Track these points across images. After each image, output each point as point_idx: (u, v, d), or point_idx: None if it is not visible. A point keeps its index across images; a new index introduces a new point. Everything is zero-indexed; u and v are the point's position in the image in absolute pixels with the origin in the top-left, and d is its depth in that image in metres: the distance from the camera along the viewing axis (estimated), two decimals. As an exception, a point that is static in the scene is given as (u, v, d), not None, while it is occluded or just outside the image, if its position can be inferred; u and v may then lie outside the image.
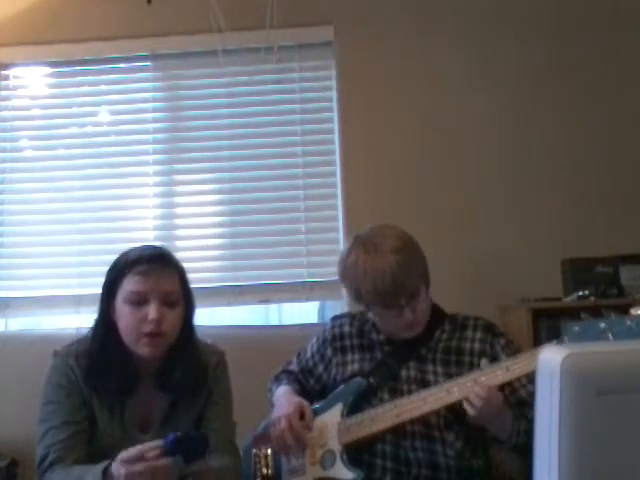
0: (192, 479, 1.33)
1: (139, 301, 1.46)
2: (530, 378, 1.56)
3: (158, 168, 2.88)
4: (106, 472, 1.31)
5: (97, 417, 1.49)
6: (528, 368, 1.45)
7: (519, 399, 1.59)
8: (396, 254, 1.56)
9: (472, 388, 1.45)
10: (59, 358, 1.51)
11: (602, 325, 1.34)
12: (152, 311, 1.44)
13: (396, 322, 1.62)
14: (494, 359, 1.60)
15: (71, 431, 1.45)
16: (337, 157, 2.79)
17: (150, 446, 1.27)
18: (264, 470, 1.73)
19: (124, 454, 1.27)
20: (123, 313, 1.47)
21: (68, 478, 1.37)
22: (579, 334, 1.36)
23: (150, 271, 1.47)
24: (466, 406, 1.45)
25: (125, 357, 1.49)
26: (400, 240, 1.61)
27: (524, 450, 1.53)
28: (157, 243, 1.63)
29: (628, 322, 1.32)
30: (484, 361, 1.54)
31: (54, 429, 1.45)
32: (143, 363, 1.51)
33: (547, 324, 2.29)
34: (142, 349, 1.47)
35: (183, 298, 1.53)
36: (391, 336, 1.69)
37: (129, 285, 1.47)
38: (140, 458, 1.25)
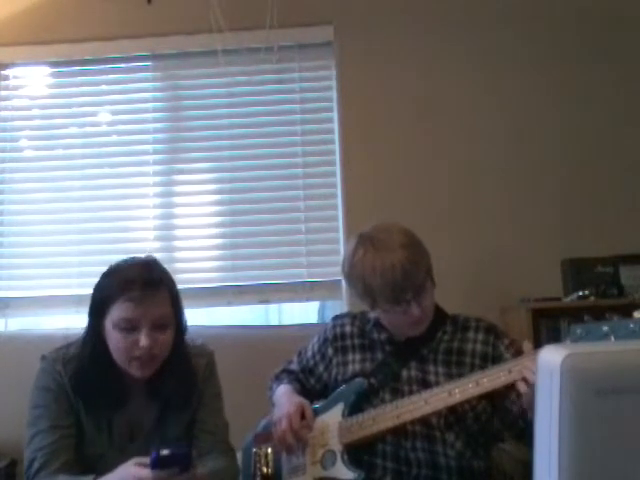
0: None
1: (129, 327, 1.41)
2: None
3: (158, 168, 2.88)
4: None
5: (84, 425, 1.47)
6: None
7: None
8: (404, 249, 1.56)
9: (527, 365, 1.42)
10: (47, 362, 1.50)
11: (605, 328, 1.33)
12: (143, 338, 1.40)
13: (403, 318, 1.61)
14: (498, 360, 1.60)
15: (58, 435, 1.43)
16: (337, 157, 2.79)
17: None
18: (264, 469, 1.73)
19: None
20: (113, 337, 1.43)
21: None
22: (581, 337, 1.36)
23: (141, 298, 1.41)
24: (519, 385, 1.41)
25: (115, 373, 1.46)
26: (406, 236, 1.62)
27: None
28: (146, 255, 1.56)
29: (631, 325, 1.31)
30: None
31: (41, 433, 1.43)
32: (133, 378, 1.48)
33: (547, 324, 2.29)
34: (134, 371, 1.44)
35: (174, 317, 1.49)
36: (396, 334, 1.69)
37: (119, 311, 1.41)
38: None
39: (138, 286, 1.41)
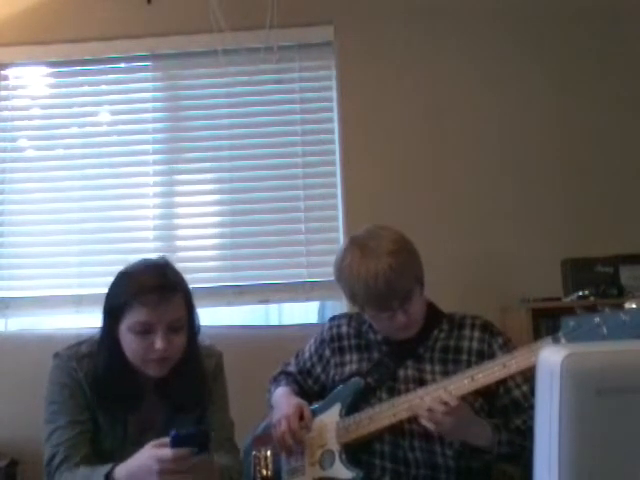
0: (198, 473, 1.33)
1: (145, 331, 1.43)
2: (526, 377, 1.56)
3: (158, 168, 2.88)
4: (109, 476, 1.31)
5: (99, 421, 1.49)
6: (525, 364, 1.46)
7: (513, 399, 1.59)
8: (389, 257, 1.56)
9: (422, 404, 1.47)
10: (61, 359, 1.51)
11: (597, 319, 1.35)
12: (159, 341, 1.42)
13: (389, 324, 1.62)
14: (491, 359, 1.60)
15: (77, 430, 1.45)
16: (337, 157, 2.79)
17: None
18: (264, 472, 1.73)
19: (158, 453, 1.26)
20: (128, 340, 1.45)
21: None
22: (574, 329, 1.37)
23: (157, 302, 1.42)
24: (425, 422, 1.46)
25: (130, 375, 1.48)
26: (394, 242, 1.60)
27: (506, 459, 1.54)
28: (158, 256, 1.56)
29: (622, 316, 1.32)
30: None
31: (60, 429, 1.44)
32: (147, 378, 1.50)
33: (547, 324, 2.29)
34: (149, 371, 1.46)
35: (188, 319, 1.51)
36: (387, 336, 1.70)
37: (135, 315, 1.42)
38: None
39: (154, 291, 1.42)
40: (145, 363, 1.46)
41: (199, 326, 1.57)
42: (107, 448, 1.48)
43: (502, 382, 1.57)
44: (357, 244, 1.62)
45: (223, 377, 1.65)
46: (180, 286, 1.49)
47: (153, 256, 1.57)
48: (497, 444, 1.48)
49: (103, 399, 1.48)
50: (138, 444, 1.35)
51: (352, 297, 1.64)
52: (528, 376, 1.54)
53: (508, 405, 1.59)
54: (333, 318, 1.86)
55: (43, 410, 1.49)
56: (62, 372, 1.49)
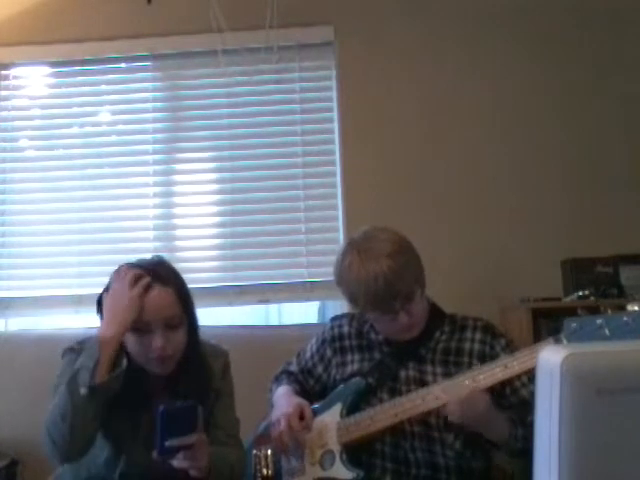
0: (187, 453, 1.34)
1: (142, 329, 1.44)
2: (531, 376, 1.56)
3: (158, 168, 2.87)
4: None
5: (111, 422, 1.49)
6: (527, 365, 1.46)
7: (521, 399, 1.58)
8: (388, 259, 1.55)
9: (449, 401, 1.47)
10: (72, 354, 1.51)
11: (599, 321, 1.35)
12: (156, 340, 1.43)
13: (392, 325, 1.62)
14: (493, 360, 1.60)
15: None
16: (337, 157, 2.79)
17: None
18: (264, 471, 1.73)
19: None
20: (129, 341, 1.46)
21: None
22: (576, 330, 1.37)
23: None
24: (447, 411, 1.46)
25: (137, 376, 1.48)
26: (393, 244, 1.59)
27: (521, 454, 1.54)
28: (153, 256, 1.58)
29: (625, 318, 1.32)
30: None
31: None
32: (153, 376, 1.51)
33: (547, 324, 2.29)
34: (152, 369, 1.48)
35: (185, 315, 1.51)
36: (389, 338, 1.69)
37: None
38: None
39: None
40: (148, 362, 1.47)
41: (198, 323, 1.58)
42: (116, 431, 1.49)
43: (508, 382, 1.57)
44: (355, 247, 1.61)
45: (230, 375, 1.66)
46: (171, 282, 1.50)
47: (148, 256, 1.59)
48: (513, 439, 1.48)
49: (113, 398, 1.48)
50: (151, 444, 1.35)
51: (353, 300, 1.63)
52: (533, 375, 1.54)
53: (517, 404, 1.59)
54: (334, 318, 1.86)
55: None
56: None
